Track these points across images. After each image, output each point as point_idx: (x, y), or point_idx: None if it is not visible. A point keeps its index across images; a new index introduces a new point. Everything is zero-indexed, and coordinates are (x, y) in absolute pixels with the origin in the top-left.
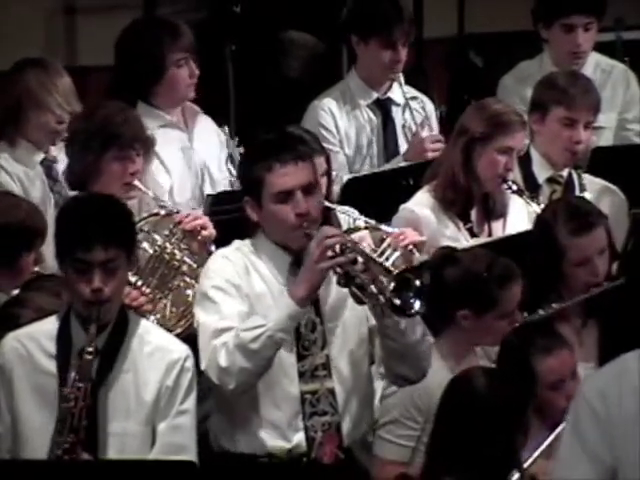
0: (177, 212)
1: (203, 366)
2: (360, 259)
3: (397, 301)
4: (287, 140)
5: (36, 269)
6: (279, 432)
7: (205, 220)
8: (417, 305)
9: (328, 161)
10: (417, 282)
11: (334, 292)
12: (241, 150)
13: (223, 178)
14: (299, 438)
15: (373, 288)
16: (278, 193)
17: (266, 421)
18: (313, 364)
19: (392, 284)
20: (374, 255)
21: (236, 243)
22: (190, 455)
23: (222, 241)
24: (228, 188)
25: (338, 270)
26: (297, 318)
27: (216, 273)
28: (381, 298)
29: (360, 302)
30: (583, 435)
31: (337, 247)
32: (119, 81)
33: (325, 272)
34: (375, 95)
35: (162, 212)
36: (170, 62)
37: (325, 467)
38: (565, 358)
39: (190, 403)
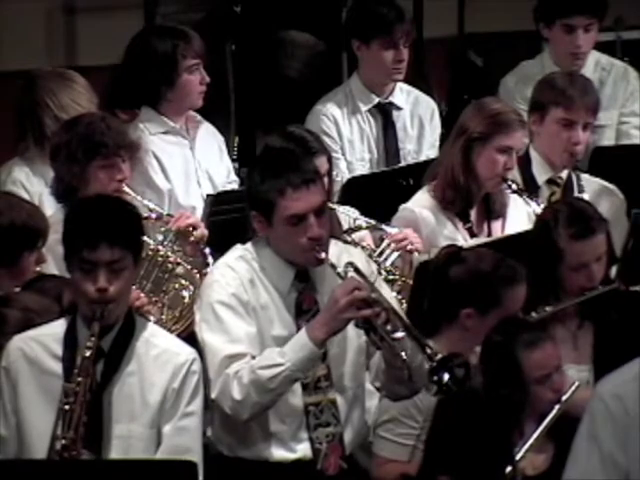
0: (167, 215)
1: (214, 395)
2: (384, 313)
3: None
4: (296, 159)
5: (37, 269)
6: (282, 444)
7: (196, 220)
8: (445, 377)
9: (330, 161)
10: (446, 377)
11: None
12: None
13: (225, 184)
14: (303, 449)
15: (396, 346)
16: (291, 217)
17: (270, 433)
18: (315, 376)
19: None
20: (400, 312)
21: (238, 250)
22: (195, 457)
23: (221, 241)
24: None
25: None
26: (315, 359)
27: (221, 286)
28: (403, 355)
29: (377, 347)
30: (599, 436)
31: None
32: (126, 85)
33: (348, 321)
34: (376, 99)
35: (153, 216)
36: (183, 68)
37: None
38: (550, 351)
39: (196, 405)
